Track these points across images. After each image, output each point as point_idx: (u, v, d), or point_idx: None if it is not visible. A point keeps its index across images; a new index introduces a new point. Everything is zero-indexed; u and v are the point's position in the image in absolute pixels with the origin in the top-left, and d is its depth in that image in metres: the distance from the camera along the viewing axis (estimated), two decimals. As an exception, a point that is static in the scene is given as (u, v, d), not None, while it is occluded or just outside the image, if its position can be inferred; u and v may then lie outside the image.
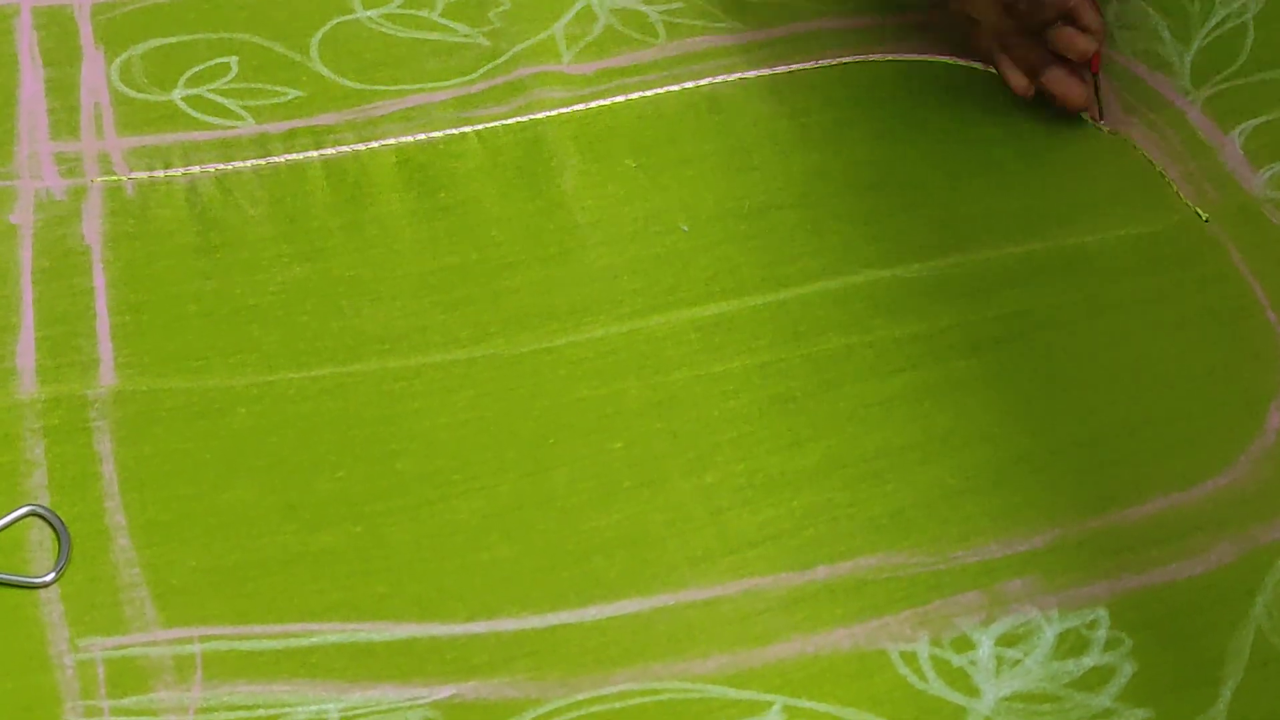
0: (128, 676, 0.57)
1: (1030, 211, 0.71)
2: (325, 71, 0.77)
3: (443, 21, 0.79)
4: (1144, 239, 0.70)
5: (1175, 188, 0.72)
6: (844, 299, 0.68)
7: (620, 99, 0.75)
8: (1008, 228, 0.70)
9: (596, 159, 0.73)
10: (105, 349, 0.66)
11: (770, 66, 0.77)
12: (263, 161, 0.73)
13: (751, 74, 0.76)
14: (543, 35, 0.78)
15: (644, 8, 0.79)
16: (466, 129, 0.74)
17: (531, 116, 0.74)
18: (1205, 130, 0.74)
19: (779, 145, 0.73)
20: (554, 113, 0.74)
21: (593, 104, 0.75)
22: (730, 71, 0.76)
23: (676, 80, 0.76)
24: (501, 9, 0.79)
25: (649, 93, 0.75)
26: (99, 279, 0.68)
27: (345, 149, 0.73)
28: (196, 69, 0.77)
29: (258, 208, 0.71)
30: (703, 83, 0.76)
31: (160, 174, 0.72)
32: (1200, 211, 0.71)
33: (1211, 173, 0.72)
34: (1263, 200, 0.71)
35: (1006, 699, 0.56)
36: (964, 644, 0.57)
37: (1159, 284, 0.68)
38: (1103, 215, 0.71)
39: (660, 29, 0.78)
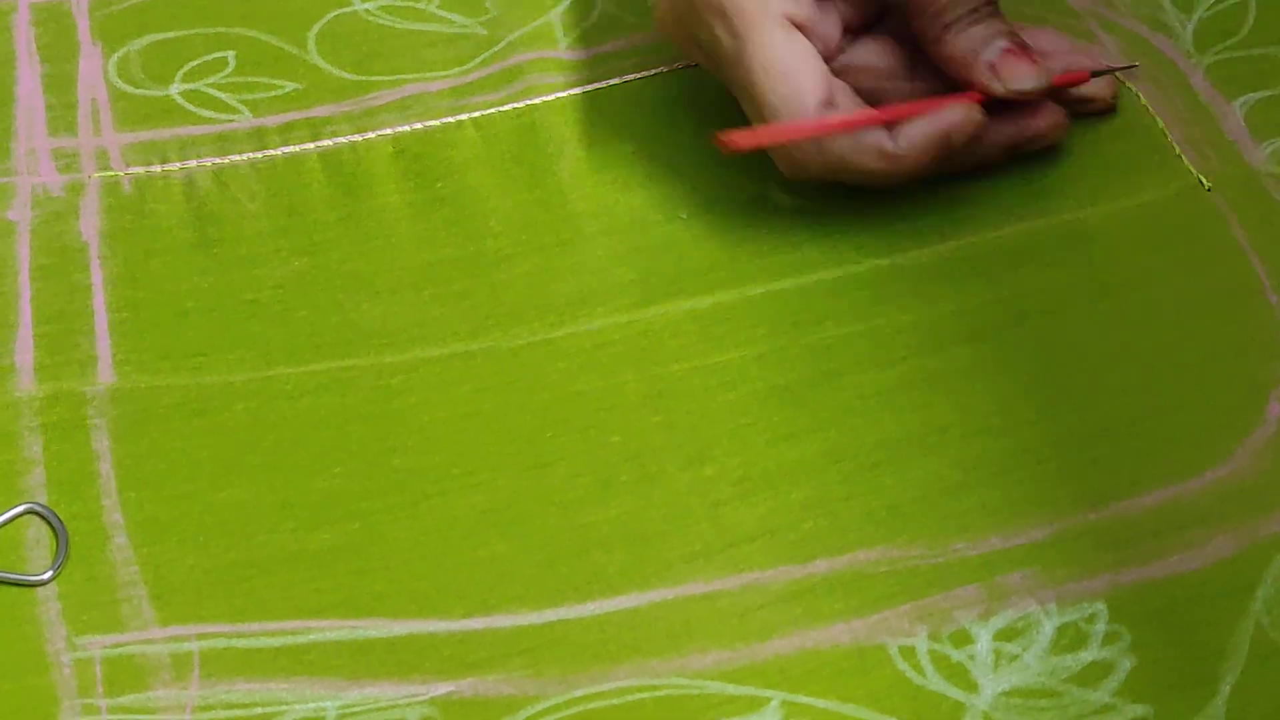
0: (125, 675, 0.56)
1: (1031, 183, 0.70)
2: (322, 64, 0.76)
3: (440, 13, 0.78)
4: (1145, 210, 0.69)
5: (1178, 150, 0.71)
6: (843, 288, 0.67)
7: (616, 81, 0.74)
8: (1009, 204, 0.69)
9: (594, 144, 0.72)
10: (103, 346, 0.66)
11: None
12: (259, 155, 0.72)
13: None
14: (539, 22, 0.77)
15: (641, -9, 0.79)
16: (463, 116, 0.73)
17: (528, 102, 0.74)
18: (1207, 95, 0.73)
19: None
20: (550, 97, 0.74)
21: (589, 87, 0.74)
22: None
23: (673, 64, 0.75)
24: (498, -3, 0.79)
25: (646, 73, 0.75)
26: (97, 276, 0.68)
27: (342, 140, 0.73)
28: (194, 63, 0.76)
29: (255, 201, 0.71)
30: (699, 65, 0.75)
31: (157, 169, 0.72)
32: (1203, 179, 0.70)
33: (1213, 139, 0.71)
34: (1265, 174, 0.70)
35: (1005, 694, 0.55)
36: (963, 638, 0.56)
37: (1160, 261, 0.67)
38: (1103, 183, 0.70)
39: (658, 14, 0.78)
